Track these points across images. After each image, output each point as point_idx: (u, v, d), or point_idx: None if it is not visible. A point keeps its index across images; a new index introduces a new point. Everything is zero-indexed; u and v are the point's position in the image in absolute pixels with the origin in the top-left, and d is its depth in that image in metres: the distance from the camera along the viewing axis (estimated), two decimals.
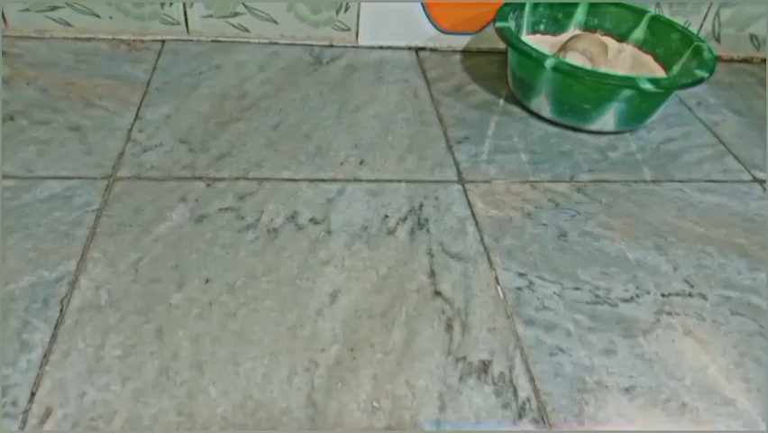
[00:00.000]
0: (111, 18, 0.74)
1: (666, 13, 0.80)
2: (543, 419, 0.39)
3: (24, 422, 0.36)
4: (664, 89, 0.63)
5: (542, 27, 0.77)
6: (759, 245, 0.55)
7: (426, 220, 0.54)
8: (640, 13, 0.75)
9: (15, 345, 0.40)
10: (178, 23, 0.76)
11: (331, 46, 0.80)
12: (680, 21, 0.79)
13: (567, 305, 0.47)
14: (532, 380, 0.42)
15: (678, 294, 0.49)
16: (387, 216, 0.54)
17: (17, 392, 0.38)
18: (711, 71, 0.64)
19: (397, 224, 0.53)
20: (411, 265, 0.49)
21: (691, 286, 0.50)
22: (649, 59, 0.74)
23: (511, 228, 0.54)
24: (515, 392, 0.41)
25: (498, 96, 0.73)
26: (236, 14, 0.76)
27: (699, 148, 0.68)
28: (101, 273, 0.46)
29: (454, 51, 0.82)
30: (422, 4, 0.77)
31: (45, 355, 0.40)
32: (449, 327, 0.44)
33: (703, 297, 0.49)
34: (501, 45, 0.72)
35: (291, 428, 0.38)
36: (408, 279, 0.48)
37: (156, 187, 0.54)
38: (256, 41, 0.79)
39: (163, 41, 0.76)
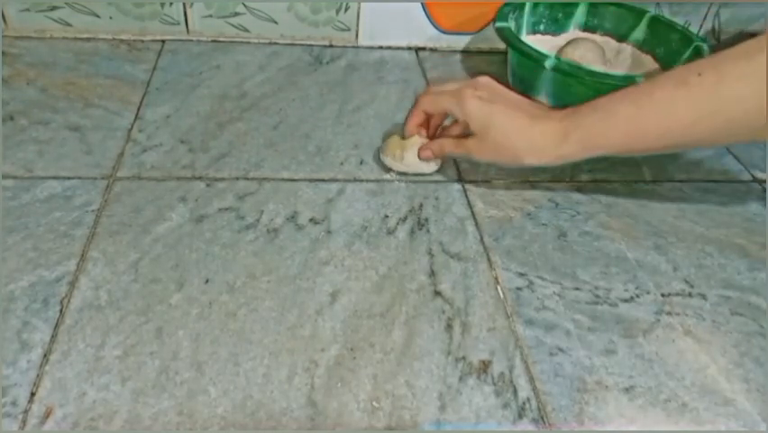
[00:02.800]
0: (111, 18, 0.74)
1: (666, 13, 0.80)
2: (543, 419, 0.39)
3: (24, 422, 0.36)
4: None
5: (542, 27, 0.77)
6: (759, 245, 0.55)
7: (426, 220, 0.54)
8: (640, 13, 0.75)
9: (15, 345, 0.40)
10: (178, 23, 0.76)
11: (331, 46, 0.80)
12: (680, 21, 0.79)
13: (567, 305, 0.47)
14: (532, 380, 0.42)
15: (678, 294, 0.49)
16: (387, 216, 0.54)
17: (17, 392, 0.38)
18: None
19: (397, 224, 0.53)
20: (411, 265, 0.49)
21: (691, 286, 0.50)
22: (649, 59, 0.74)
23: (511, 228, 0.54)
24: (515, 392, 0.41)
25: None
26: (236, 14, 0.76)
27: (699, 148, 0.68)
28: (101, 273, 0.46)
29: (454, 51, 0.82)
30: (422, 4, 0.77)
31: (45, 355, 0.40)
32: (449, 327, 0.45)
33: (703, 297, 0.49)
34: (501, 45, 0.72)
35: (291, 428, 0.38)
36: (408, 279, 0.48)
37: (156, 187, 0.54)
38: (256, 41, 0.79)
39: (163, 41, 0.76)
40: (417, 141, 0.55)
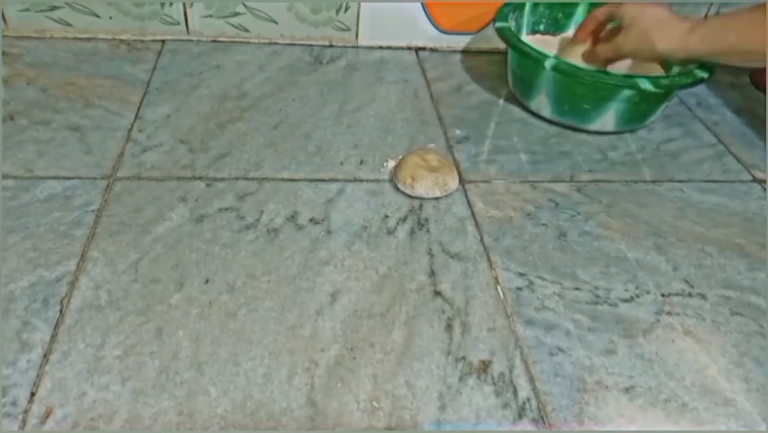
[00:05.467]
0: (111, 18, 0.74)
1: None
2: (543, 418, 0.39)
3: (24, 422, 0.36)
4: (664, 89, 0.63)
5: (542, 27, 0.77)
6: (759, 245, 0.55)
7: (426, 220, 0.54)
8: None
9: (15, 345, 0.40)
10: (178, 23, 0.76)
11: (331, 46, 0.80)
12: None
13: (567, 305, 0.47)
14: (532, 380, 0.42)
15: (678, 294, 0.49)
16: (387, 216, 0.54)
17: (17, 392, 0.38)
18: (711, 71, 0.64)
19: (397, 224, 0.53)
20: (411, 265, 0.49)
21: (691, 286, 0.50)
22: None
23: (511, 228, 0.54)
24: (515, 392, 0.41)
25: (498, 96, 0.73)
26: (236, 14, 0.76)
27: (699, 148, 0.68)
28: (101, 273, 0.46)
29: (454, 51, 0.82)
30: (422, 4, 0.77)
31: (45, 355, 0.40)
32: (449, 327, 0.44)
33: (703, 297, 0.49)
34: (501, 45, 0.72)
35: (291, 428, 0.38)
36: (408, 279, 0.48)
37: (156, 187, 0.54)
38: (256, 41, 0.79)
39: (163, 41, 0.76)
40: (425, 174, 0.55)
